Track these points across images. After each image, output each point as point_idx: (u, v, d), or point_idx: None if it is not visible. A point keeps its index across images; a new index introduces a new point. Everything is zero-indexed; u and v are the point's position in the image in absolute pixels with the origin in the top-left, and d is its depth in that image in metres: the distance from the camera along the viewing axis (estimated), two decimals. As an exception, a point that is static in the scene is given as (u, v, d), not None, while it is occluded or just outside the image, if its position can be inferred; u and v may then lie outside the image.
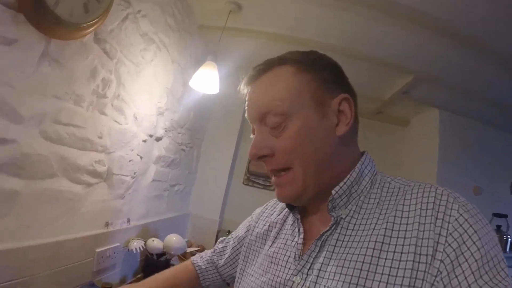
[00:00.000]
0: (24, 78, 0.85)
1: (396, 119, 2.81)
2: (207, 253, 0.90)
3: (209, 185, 2.27)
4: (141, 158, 1.52)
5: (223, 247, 0.87)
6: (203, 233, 2.11)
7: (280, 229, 0.73)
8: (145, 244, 1.51)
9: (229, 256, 0.84)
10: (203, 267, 0.87)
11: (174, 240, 1.59)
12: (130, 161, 1.42)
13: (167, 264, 1.59)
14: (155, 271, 1.56)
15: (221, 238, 0.90)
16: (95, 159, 1.19)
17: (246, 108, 0.66)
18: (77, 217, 1.14)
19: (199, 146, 2.35)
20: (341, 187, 0.59)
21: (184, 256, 1.77)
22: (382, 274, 0.50)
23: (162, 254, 1.59)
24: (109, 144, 1.26)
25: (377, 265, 0.51)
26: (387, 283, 0.49)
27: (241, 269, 0.75)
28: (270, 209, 0.82)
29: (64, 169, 1.05)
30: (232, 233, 0.87)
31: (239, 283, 0.73)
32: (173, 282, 0.84)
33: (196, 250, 1.86)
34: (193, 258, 0.90)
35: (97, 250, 1.26)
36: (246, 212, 2.11)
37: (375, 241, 0.53)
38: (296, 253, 0.63)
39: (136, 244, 1.46)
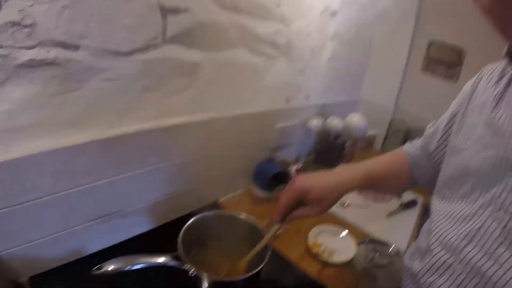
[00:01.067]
0: None
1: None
2: (417, 141, 0.78)
3: (383, 69, 1.85)
4: (318, 32, 1.28)
5: (434, 130, 0.73)
6: (375, 120, 1.77)
7: (503, 93, 0.55)
8: (324, 123, 1.39)
9: (441, 138, 0.69)
10: (416, 155, 0.75)
11: (355, 120, 1.40)
12: (308, 34, 1.21)
13: (342, 147, 1.44)
14: (329, 152, 1.46)
15: (431, 123, 0.75)
16: (274, 30, 1.04)
17: None
18: (259, 91, 1.08)
19: (374, 26, 1.83)
20: None
21: (354, 143, 1.53)
22: None
23: (338, 136, 1.39)
24: (287, 13, 1.06)
25: None
26: None
27: (451, 145, 0.62)
28: (487, 75, 0.62)
29: (244, 40, 0.95)
30: (443, 114, 0.71)
31: (448, 162, 0.61)
32: (389, 167, 0.74)
33: (373, 135, 1.58)
34: (403, 147, 0.80)
35: (278, 126, 1.21)
36: (424, 102, 1.63)
37: None
38: None
39: (315, 123, 1.36)
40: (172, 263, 0.66)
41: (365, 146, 1.73)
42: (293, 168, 1.34)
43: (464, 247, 0.50)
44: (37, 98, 0.57)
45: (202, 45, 0.81)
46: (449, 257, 0.52)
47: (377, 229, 1.10)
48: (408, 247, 1.03)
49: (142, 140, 0.76)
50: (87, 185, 0.70)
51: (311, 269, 0.89)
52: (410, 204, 1.27)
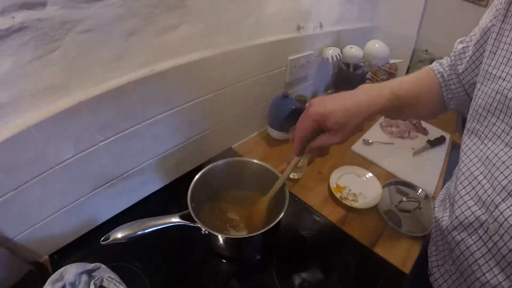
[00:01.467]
0: None
1: None
2: (447, 58, 0.66)
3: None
4: None
5: (463, 47, 0.61)
6: (396, 50, 1.56)
7: None
8: (341, 53, 1.24)
9: (471, 57, 0.58)
10: (445, 75, 0.64)
11: (376, 47, 1.24)
12: None
13: (362, 79, 1.32)
14: (348, 85, 1.31)
15: (460, 39, 0.63)
16: None
17: None
18: (264, 19, 0.92)
19: None
20: None
21: (375, 75, 1.38)
22: None
23: (357, 67, 1.27)
24: None
25: None
26: None
27: (485, 70, 0.51)
28: None
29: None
30: (475, 28, 0.58)
31: (481, 89, 0.50)
32: (419, 87, 0.62)
33: (395, 64, 1.41)
34: (431, 65, 0.67)
35: (290, 58, 1.07)
36: (449, 29, 1.39)
37: None
38: None
39: (332, 52, 1.21)
40: (183, 222, 0.63)
41: (388, 77, 1.57)
42: (310, 105, 1.26)
43: (500, 202, 0.41)
44: (14, 70, 0.51)
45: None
46: (483, 213, 0.44)
47: (403, 168, 1.03)
48: (436, 188, 0.97)
49: (137, 90, 0.67)
50: (86, 151, 0.63)
51: (334, 215, 0.85)
52: (438, 141, 1.17)
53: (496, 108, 0.46)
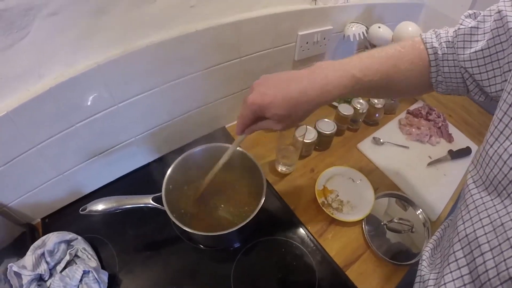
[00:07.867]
0: None
1: None
2: (447, 30, 0.55)
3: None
4: None
5: (472, 28, 0.49)
6: None
7: None
8: (366, 31, 1.12)
9: (482, 50, 0.47)
10: (439, 52, 0.54)
11: (410, 30, 1.08)
12: None
13: None
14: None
15: (470, 11, 0.53)
16: None
17: None
18: None
19: None
20: None
21: None
22: None
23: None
24: None
25: None
26: None
27: None
28: None
29: None
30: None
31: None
32: (396, 68, 0.53)
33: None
34: (424, 34, 0.57)
35: (300, 33, 0.99)
36: None
37: None
38: None
39: (355, 30, 1.10)
40: (154, 205, 0.68)
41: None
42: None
43: None
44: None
45: None
46: None
47: (411, 179, 0.96)
48: (442, 212, 0.90)
49: (109, 71, 0.68)
50: (65, 131, 0.69)
51: (313, 224, 0.83)
52: (461, 153, 1.06)
53: None
